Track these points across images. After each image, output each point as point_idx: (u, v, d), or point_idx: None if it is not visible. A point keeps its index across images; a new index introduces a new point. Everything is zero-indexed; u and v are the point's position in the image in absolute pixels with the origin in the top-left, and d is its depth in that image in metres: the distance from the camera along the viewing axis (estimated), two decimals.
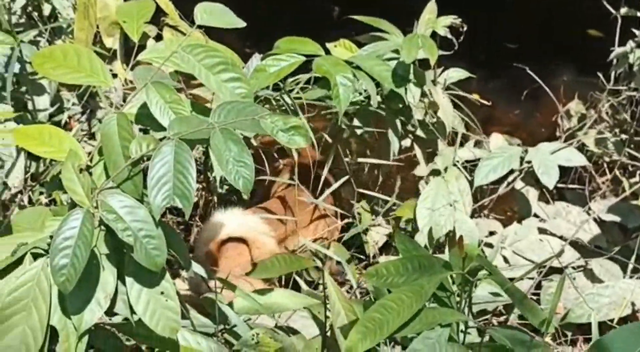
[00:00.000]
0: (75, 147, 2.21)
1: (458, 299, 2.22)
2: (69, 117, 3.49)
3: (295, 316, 2.77)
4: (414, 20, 3.39)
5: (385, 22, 3.36)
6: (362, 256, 3.59)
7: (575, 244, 3.37)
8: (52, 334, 2.06)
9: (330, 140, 3.41)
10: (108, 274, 2.07)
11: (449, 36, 3.27)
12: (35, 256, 2.09)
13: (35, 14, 3.45)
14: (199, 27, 2.32)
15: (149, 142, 2.08)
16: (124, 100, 2.98)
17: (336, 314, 2.37)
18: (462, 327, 2.23)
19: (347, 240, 3.49)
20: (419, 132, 3.45)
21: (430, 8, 3.36)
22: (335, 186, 3.44)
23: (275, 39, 3.28)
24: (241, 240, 3.17)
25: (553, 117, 4.05)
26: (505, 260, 3.34)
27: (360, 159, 3.50)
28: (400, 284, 2.09)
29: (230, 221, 3.17)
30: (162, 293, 2.09)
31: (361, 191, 3.50)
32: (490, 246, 3.38)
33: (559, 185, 3.52)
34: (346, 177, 3.47)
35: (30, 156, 3.21)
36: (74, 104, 3.49)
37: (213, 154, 1.99)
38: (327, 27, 3.44)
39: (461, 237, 2.08)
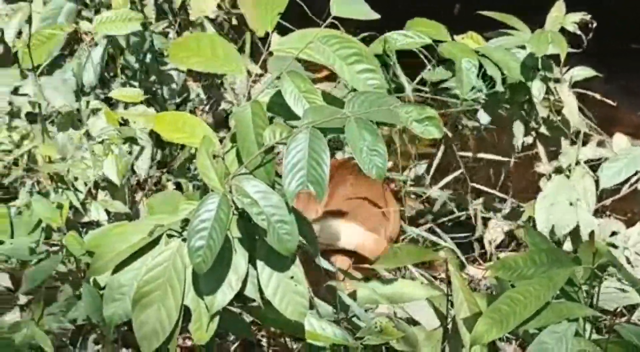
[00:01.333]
0: (208, 133, 2.27)
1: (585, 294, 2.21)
2: (194, 108, 3.58)
3: (411, 307, 2.78)
4: (537, 19, 3.37)
5: (514, 17, 3.34)
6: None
7: None
8: (185, 313, 2.12)
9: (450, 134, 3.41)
10: (240, 257, 2.13)
11: (578, 32, 3.24)
12: (170, 238, 2.17)
13: (165, 5, 3.55)
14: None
15: (283, 129, 2.12)
16: (249, 92, 3.04)
17: (459, 306, 2.37)
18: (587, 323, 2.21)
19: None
20: (543, 130, 3.42)
21: (559, 6, 3.34)
22: (448, 178, 3.43)
23: None
24: (353, 253, 3.08)
25: None
26: (627, 261, 3.29)
27: (480, 155, 3.49)
28: (529, 276, 2.09)
29: (342, 233, 3.08)
30: (291, 278, 2.14)
31: (476, 185, 3.49)
32: (612, 246, 3.33)
33: None
34: (458, 172, 3.46)
35: (157, 143, 3.30)
36: (198, 94, 3.57)
37: (348, 143, 2.02)
38: (447, 23, 3.42)
39: (592, 232, 2.07)
